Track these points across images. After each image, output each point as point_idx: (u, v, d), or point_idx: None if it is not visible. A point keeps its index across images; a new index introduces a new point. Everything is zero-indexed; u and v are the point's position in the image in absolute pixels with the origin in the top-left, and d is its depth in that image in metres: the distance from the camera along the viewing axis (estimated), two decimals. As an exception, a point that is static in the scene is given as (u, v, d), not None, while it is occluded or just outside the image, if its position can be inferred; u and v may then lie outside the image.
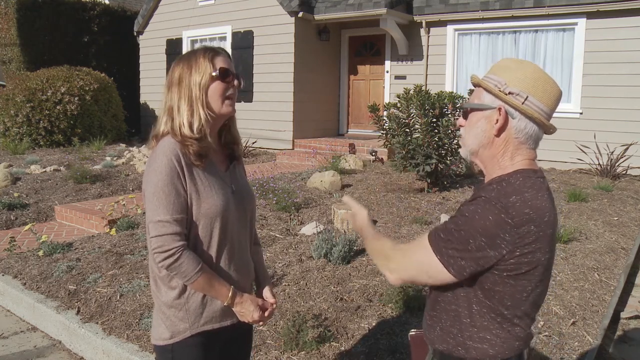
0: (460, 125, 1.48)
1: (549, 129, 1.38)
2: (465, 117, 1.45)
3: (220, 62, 1.69)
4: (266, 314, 1.82)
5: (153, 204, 1.60)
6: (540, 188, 1.33)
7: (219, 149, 1.82)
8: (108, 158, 9.49)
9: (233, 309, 1.73)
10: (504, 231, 1.25)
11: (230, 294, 1.69)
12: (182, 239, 1.61)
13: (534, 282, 1.33)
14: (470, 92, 6.32)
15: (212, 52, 1.70)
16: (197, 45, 12.59)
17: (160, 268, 1.65)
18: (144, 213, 2.02)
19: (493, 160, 1.40)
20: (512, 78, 1.35)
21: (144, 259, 4.42)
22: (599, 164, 8.01)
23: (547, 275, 1.37)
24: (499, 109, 1.35)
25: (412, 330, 1.68)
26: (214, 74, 1.66)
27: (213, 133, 1.74)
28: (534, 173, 1.36)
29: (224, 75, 1.68)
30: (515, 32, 9.33)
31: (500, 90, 1.35)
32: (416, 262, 1.37)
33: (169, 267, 1.60)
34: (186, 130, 1.64)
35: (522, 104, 1.33)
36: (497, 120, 1.35)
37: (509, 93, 1.34)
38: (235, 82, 1.72)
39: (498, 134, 1.37)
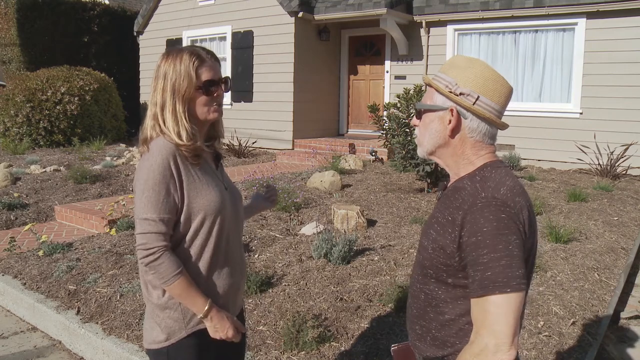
0: (414, 125, 1.48)
1: (501, 127, 1.39)
2: (419, 117, 1.45)
3: (205, 73, 1.65)
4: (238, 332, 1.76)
5: (142, 201, 1.59)
6: (512, 174, 1.36)
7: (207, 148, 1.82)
8: (108, 158, 9.49)
9: (206, 322, 1.68)
10: (518, 222, 1.25)
11: (206, 307, 1.64)
12: (165, 239, 1.60)
13: (531, 271, 1.33)
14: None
15: (197, 60, 1.64)
16: (197, 45, 12.63)
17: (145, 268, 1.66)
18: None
19: (454, 158, 1.40)
20: (463, 78, 1.35)
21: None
22: (599, 164, 8.01)
23: (534, 262, 1.38)
24: (451, 110, 1.35)
25: (394, 344, 1.65)
26: (198, 86, 1.64)
27: (201, 135, 1.73)
28: (500, 163, 1.38)
29: (208, 86, 1.66)
30: (515, 32, 9.33)
31: (450, 91, 1.35)
32: (506, 317, 1.18)
33: (148, 265, 1.59)
34: (176, 139, 1.63)
35: (474, 104, 1.33)
36: (450, 121, 1.36)
37: (460, 94, 1.34)
38: (222, 87, 1.70)
39: (452, 135, 1.37)
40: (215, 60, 1.71)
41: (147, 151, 1.64)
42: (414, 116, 1.48)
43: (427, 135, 1.41)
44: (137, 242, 1.60)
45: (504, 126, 1.39)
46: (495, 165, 1.36)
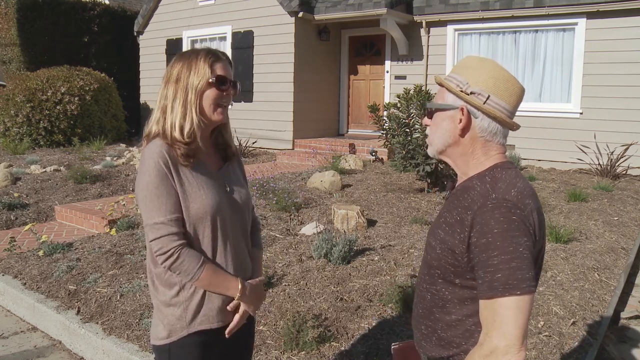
0: (426, 125, 1.48)
1: (512, 127, 1.39)
2: (430, 116, 1.46)
3: (219, 69, 1.68)
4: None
5: (147, 207, 1.61)
6: (522, 176, 1.36)
7: (211, 151, 1.80)
8: (108, 158, 9.49)
9: (243, 302, 1.72)
10: (528, 224, 1.25)
11: (240, 286, 1.69)
12: (180, 238, 1.61)
13: (538, 273, 1.33)
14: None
15: (213, 57, 1.68)
16: (197, 46, 12.54)
17: (157, 267, 1.66)
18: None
19: (464, 158, 1.40)
20: (474, 77, 1.35)
21: (144, 259, 4.42)
22: (599, 164, 8.01)
23: (542, 264, 1.38)
24: (462, 109, 1.36)
25: (394, 343, 1.64)
26: (211, 80, 1.66)
27: (204, 136, 1.73)
28: (510, 164, 1.38)
29: (220, 83, 1.68)
30: (515, 32, 9.33)
31: (461, 90, 1.35)
32: (516, 319, 1.19)
33: (171, 268, 1.61)
34: (177, 134, 1.64)
35: (484, 103, 1.34)
36: (461, 120, 1.36)
37: (471, 93, 1.34)
38: (232, 90, 1.72)
39: (462, 134, 1.37)
40: (229, 63, 1.75)
41: (145, 149, 1.67)
42: (425, 116, 1.48)
43: (438, 134, 1.42)
44: (154, 249, 1.61)
45: (515, 126, 1.39)
46: (506, 166, 1.36)
